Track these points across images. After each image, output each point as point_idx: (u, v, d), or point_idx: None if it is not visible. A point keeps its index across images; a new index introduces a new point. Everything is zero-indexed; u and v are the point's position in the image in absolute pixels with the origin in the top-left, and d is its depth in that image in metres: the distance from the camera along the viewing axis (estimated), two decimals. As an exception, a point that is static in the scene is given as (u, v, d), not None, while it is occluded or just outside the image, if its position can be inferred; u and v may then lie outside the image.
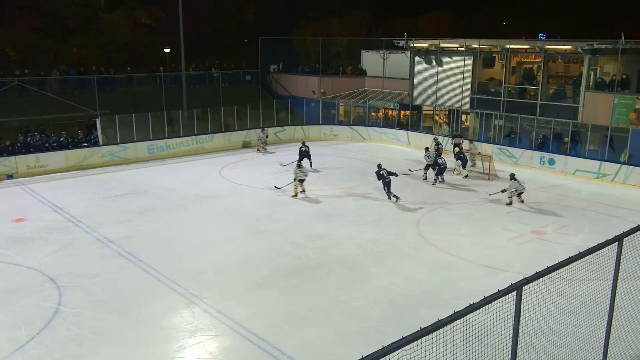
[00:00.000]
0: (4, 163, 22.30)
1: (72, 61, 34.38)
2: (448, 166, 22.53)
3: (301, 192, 19.64)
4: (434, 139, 26.13)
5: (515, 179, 18.89)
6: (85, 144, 24.91)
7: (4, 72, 28.23)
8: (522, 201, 18.93)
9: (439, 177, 21.76)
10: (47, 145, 23.89)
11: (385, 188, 19.31)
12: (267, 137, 28.66)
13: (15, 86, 26.29)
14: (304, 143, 24.57)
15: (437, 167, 21.73)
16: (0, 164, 22.19)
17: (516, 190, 18.81)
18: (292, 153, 27.53)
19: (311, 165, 23.98)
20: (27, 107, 25.28)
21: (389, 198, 19.24)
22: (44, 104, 25.69)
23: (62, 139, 24.55)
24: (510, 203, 18.81)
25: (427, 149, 23.36)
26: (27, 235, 15.64)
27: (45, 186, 21.20)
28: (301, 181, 19.60)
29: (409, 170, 23.02)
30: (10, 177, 22.22)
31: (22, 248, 14.66)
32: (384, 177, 19.27)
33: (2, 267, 13.44)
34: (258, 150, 28.25)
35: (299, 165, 20.34)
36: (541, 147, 25.21)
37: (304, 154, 23.95)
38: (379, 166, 19.70)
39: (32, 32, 36.67)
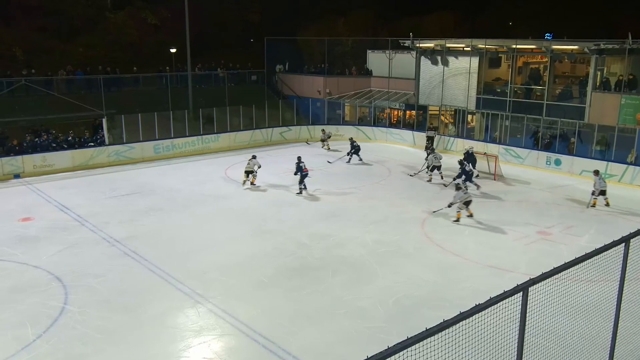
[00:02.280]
0: (11, 162, 22.42)
1: (78, 61, 34.47)
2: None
3: (251, 183, 20.92)
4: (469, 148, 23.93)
5: (461, 188, 17.41)
6: (92, 144, 25.01)
7: (11, 72, 28.33)
8: (471, 215, 17.20)
9: (467, 182, 20.50)
10: (53, 145, 24.00)
11: (302, 180, 20.19)
12: (329, 137, 29.43)
13: (22, 86, 26.42)
14: (352, 139, 26.23)
15: (465, 174, 20.68)
16: (7, 164, 22.31)
17: (461, 201, 16.93)
18: (296, 153, 27.60)
19: (360, 159, 25.53)
20: (34, 106, 25.40)
21: (301, 191, 20.10)
22: (50, 104, 25.81)
23: (69, 138, 24.66)
24: (458, 219, 17.03)
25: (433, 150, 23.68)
26: (33, 235, 15.72)
27: (52, 185, 21.29)
28: (247, 173, 20.89)
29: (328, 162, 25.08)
30: (17, 176, 22.33)
31: (28, 247, 14.73)
32: (303, 169, 20.23)
33: (9, 266, 13.51)
34: (322, 147, 29.25)
35: (254, 157, 21.41)
36: (547, 147, 25.11)
37: (357, 148, 25.53)
38: (299, 159, 20.55)
39: (38, 32, 36.80)
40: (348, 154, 25.66)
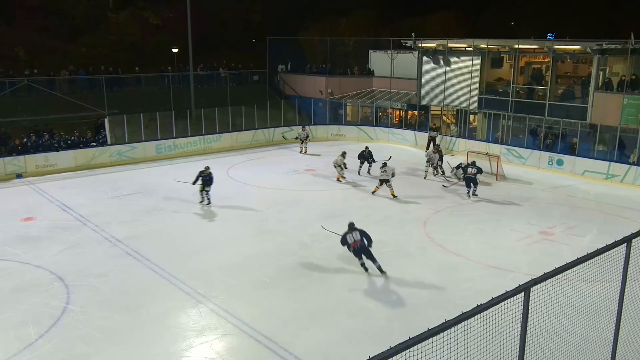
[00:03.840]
0: (13, 162, 22.45)
1: (80, 61, 34.51)
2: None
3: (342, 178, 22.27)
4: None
5: (383, 167, 19.70)
6: (94, 144, 25.03)
7: (13, 72, 28.40)
8: (394, 195, 19.46)
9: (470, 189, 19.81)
10: (56, 144, 24.03)
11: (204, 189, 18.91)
12: (307, 137, 28.29)
13: (25, 86, 26.49)
14: (366, 148, 24.01)
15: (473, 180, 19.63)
16: (9, 163, 22.35)
17: (378, 178, 19.76)
18: (297, 153, 27.62)
19: (369, 171, 23.28)
20: (36, 106, 25.47)
21: (204, 200, 18.88)
22: (52, 104, 25.87)
23: (73, 137, 24.68)
24: (374, 192, 19.90)
25: (438, 146, 24.27)
26: (35, 234, 15.74)
27: (54, 185, 21.32)
28: (339, 166, 22.26)
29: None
30: (19, 176, 22.36)
31: (30, 247, 14.75)
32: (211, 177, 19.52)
33: (11, 265, 13.54)
34: (301, 151, 28.00)
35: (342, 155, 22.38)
36: (549, 147, 25.08)
37: (365, 157, 23.49)
38: (207, 168, 19.19)
39: (40, 32, 36.85)
40: (370, 162, 23.45)
